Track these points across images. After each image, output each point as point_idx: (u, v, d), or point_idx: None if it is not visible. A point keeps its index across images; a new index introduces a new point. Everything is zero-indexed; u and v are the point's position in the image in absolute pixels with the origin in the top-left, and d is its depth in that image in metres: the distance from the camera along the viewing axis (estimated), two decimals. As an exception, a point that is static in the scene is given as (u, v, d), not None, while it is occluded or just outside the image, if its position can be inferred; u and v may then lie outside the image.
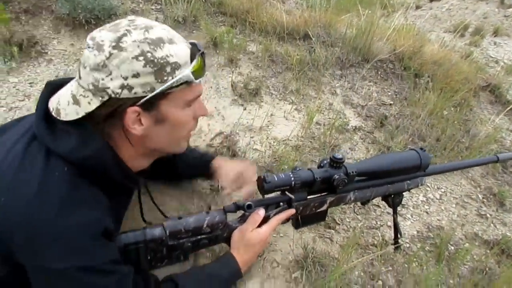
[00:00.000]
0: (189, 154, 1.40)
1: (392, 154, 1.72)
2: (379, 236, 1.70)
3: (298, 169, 1.23)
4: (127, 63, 0.84)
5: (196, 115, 1.04)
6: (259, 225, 1.24)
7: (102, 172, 0.93)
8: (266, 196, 1.26)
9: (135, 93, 0.86)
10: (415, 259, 1.63)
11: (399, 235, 1.59)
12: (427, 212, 1.96)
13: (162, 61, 0.86)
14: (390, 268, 1.56)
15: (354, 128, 2.30)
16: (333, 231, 1.65)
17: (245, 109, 2.16)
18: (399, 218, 1.73)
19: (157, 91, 0.88)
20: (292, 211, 1.28)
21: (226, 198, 1.52)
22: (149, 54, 0.85)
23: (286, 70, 2.50)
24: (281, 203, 1.29)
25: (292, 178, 1.20)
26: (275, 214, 1.27)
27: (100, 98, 0.86)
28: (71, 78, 0.98)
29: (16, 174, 0.86)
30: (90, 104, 0.87)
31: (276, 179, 1.17)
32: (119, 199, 1.06)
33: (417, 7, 7.87)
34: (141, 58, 0.84)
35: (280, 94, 2.35)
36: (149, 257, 1.11)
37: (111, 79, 0.84)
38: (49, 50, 2.22)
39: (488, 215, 2.07)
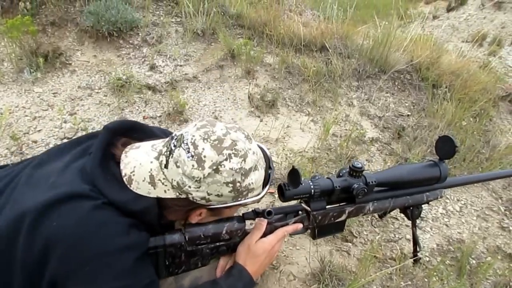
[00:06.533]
0: None
1: (411, 164, 1.70)
2: (397, 250, 1.68)
3: (317, 177, 1.23)
4: (218, 185, 0.91)
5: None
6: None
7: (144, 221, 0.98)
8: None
9: (210, 203, 0.95)
10: (435, 273, 1.60)
11: (418, 248, 1.57)
12: (447, 225, 1.92)
13: (244, 189, 0.95)
14: (409, 283, 1.53)
15: (371, 139, 2.28)
16: (350, 244, 1.63)
17: (261, 120, 2.16)
18: (418, 231, 1.70)
19: (228, 205, 0.98)
20: (299, 225, 1.27)
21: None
22: (238, 184, 0.93)
23: (302, 81, 2.50)
24: (300, 212, 1.28)
25: (312, 186, 1.19)
26: (294, 223, 1.26)
27: (177, 194, 0.94)
28: (125, 124, 1.07)
29: (68, 203, 0.89)
30: (166, 193, 0.94)
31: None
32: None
33: (434, 17, 7.81)
34: (230, 185, 0.92)
35: (296, 106, 2.35)
36: (167, 262, 1.12)
37: (198, 190, 0.92)
38: (73, 61, 2.28)
39: (511, 228, 2.02)
